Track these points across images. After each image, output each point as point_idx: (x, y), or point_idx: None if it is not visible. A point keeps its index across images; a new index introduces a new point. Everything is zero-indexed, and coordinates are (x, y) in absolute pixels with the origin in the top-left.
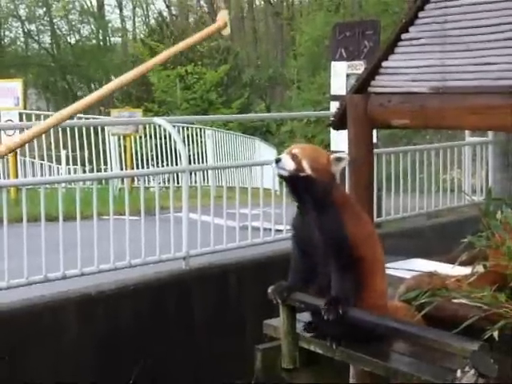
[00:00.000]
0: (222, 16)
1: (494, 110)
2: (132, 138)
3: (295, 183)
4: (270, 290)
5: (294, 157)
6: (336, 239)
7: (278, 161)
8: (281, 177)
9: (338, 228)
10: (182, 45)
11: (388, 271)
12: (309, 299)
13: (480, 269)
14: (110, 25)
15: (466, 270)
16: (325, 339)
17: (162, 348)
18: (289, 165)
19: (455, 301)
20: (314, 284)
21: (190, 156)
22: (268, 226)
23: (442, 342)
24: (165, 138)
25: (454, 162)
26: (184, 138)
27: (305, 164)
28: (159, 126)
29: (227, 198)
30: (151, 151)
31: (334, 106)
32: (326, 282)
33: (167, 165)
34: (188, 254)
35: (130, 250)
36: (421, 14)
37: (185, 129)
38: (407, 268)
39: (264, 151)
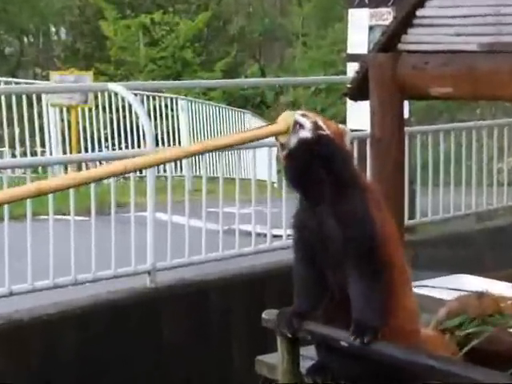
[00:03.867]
0: (285, 117)
1: None
2: (79, 110)
3: (309, 154)
4: (265, 315)
5: (304, 115)
6: (363, 232)
7: (298, 123)
8: (290, 150)
9: (366, 218)
10: (236, 138)
11: (422, 290)
12: (332, 331)
13: None
14: None
15: None
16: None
17: None
18: (306, 123)
19: None
20: (322, 303)
21: (157, 135)
22: (262, 230)
23: None
24: (123, 110)
25: None
26: (149, 110)
27: (321, 123)
28: (116, 94)
29: (207, 193)
30: (105, 128)
31: (352, 68)
32: (342, 300)
33: (126, 147)
34: (154, 267)
35: (76, 262)
36: None
37: (151, 98)
38: (449, 286)
39: None
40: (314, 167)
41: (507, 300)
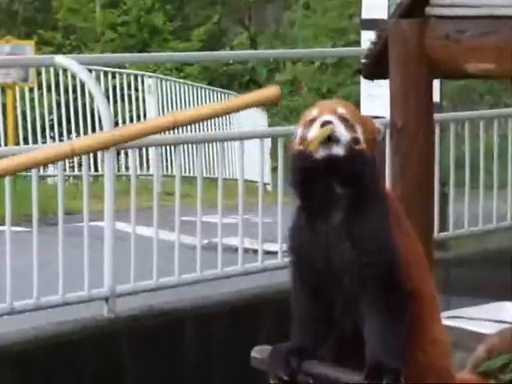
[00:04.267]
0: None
1: None
2: (17, 89)
3: (335, 170)
4: (256, 353)
5: (343, 120)
6: (384, 258)
7: (329, 137)
8: (321, 163)
9: (388, 241)
10: (218, 107)
11: (457, 322)
12: (341, 374)
13: None
14: None
15: None
16: None
17: None
18: (344, 134)
19: None
20: (327, 340)
21: (117, 122)
22: (251, 246)
23: None
24: (74, 91)
25: None
26: (108, 90)
27: (359, 132)
28: (64, 70)
29: (182, 197)
30: (51, 113)
31: (367, 38)
32: (353, 337)
33: (78, 137)
34: (113, 291)
35: (13, 285)
36: None
37: (109, 75)
38: (490, 317)
39: (246, 115)
40: (333, 181)
41: None
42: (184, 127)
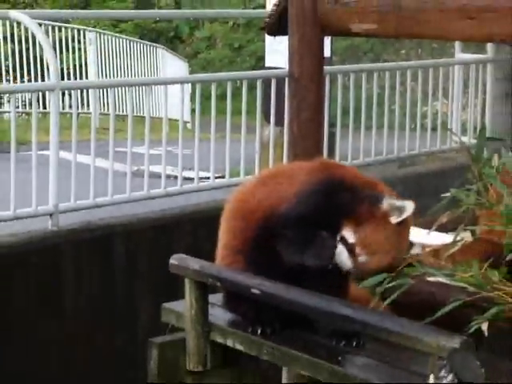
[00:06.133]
0: None
1: (496, 12)
2: None
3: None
4: (173, 260)
5: (348, 245)
6: None
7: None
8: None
9: None
10: None
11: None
12: (243, 278)
13: (466, 236)
14: None
15: (448, 238)
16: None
17: (12, 349)
18: (347, 262)
19: (431, 279)
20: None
21: (62, 69)
22: (173, 172)
23: (409, 336)
24: (26, 42)
25: (437, 88)
26: (55, 42)
27: (362, 258)
28: (18, 23)
29: (115, 131)
30: (6, 60)
31: (273, 1)
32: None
33: (29, 81)
34: (57, 208)
35: None
36: None
37: (56, 29)
38: None
39: (170, 65)
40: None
41: (426, 248)
42: (115, 74)
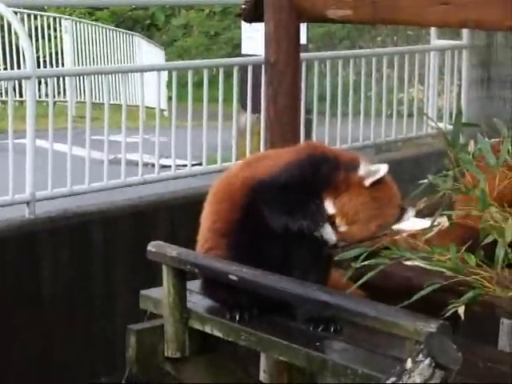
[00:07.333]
0: None
1: None
2: None
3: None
4: (151, 247)
5: (329, 217)
6: None
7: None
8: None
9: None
10: None
11: None
12: (221, 265)
13: (443, 221)
14: None
15: (424, 223)
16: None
17: None
18: (331, 236)
19: (408, 263)
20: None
21: (38, 58)
22: (150, 160)
23: (385, 321)
24: (2, 30)
25: (413, 74)
26: (31, 30)
27: (343, 228)
28: None
29: (92, 120)
30: None
31: None
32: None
33: (5, 69)
34: (34, 197)
35: None
36: None
37: (32, 17)
38: None
39: (147, 52)
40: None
41: (402, 233)
42: (92, 62)
